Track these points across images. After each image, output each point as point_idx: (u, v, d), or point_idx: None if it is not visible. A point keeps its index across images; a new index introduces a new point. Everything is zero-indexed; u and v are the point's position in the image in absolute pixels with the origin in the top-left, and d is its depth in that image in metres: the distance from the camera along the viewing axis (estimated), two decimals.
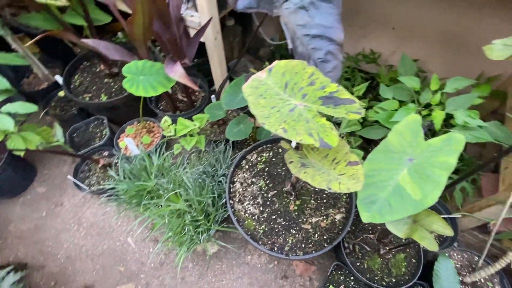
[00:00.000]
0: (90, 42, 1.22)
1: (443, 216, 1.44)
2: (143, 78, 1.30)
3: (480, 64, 1.58)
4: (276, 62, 0.72)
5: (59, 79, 1.80)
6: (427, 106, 1.26)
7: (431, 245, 0.66)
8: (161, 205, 1.29)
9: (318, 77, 0.67)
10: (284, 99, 0.67)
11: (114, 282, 1.50)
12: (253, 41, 2.48)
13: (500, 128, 1.18)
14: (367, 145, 1.64)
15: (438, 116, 1.11)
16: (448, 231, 0.68)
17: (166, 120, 1.29)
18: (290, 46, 0.78)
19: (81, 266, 1.56)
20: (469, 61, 1.62)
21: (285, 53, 2.16)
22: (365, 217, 0.71)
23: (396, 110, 1.22)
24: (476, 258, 1.30)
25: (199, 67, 1.99)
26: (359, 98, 1.47)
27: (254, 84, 0.69)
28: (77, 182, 1.54)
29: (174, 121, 1.37)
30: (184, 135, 1.33)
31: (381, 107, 1.27)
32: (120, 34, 2.22)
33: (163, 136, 1.54)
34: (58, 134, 1.50)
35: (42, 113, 1.90)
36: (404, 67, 1.37)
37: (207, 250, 1.46)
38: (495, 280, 1.24)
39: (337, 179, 0.64)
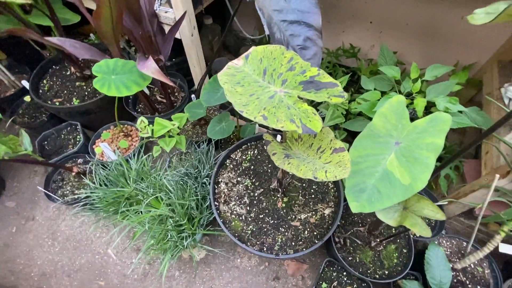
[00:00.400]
0: (55, 40, 1.13)
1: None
2: (115, 77, 1.22)
3: (455, 54, 1.61)
4: (252, 48, 0.67)
5: (25, 84, 1.67)
6: (408, 95, 1.26)
7: (423, 231, 0.63)
8: (141, 212, 1.21)
9: (297, 62, 0.64)
10: (263, 86, 0.63)
11: None
12: (233, 40, 2.44)
13: (479, 113, 1.20)
14: (351, 139, 1.63)
15: (420, 104, 1.11)
16: (439, 215, 0.66)
17: (142, 120, 1.22)
18: (267, 32, 0.74)
19: (57, 284, 1.44)
20: (445, 51, 1.65)
21: None
22: (354, 207, 0.68)
23: (378, 100, 1.21)
24: (465, 244, 1.31)
25: (178, 66, 1.92)
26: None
27: (230, 71, 0.65)
28: (48, 193, 1.43)
29: (152, 122, 1.29)
30: (163, 136, 1.26)
31: (363, 98, 1.26)
32: (92, 36, 2.11)
33: (142, 139, 1.47)
34: (25, 143, 1.39)
35: (8, 122, 1.76)
36: (384, 58, 1.37)
37: (193, 256, 1.39)
38: (484, 264, 1.25)
39: (323, 168, 0.60)
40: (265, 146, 1.44)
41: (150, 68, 1.02)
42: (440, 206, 1.41)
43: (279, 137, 1.38)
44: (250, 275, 1.43)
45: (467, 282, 1.21)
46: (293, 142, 0.76)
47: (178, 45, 1.55)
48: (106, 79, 1.20)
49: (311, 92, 0.60)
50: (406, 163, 0.62)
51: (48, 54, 2.05)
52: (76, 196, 1.43)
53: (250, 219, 1.22)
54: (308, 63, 0.63)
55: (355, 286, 1.21)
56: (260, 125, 1.61)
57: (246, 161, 1.39)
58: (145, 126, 1.20)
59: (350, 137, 1.52)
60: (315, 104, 1.60)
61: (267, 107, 0.57)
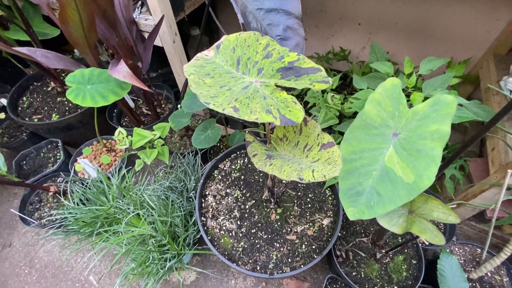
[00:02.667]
0: (24, 50, 1.06)
1: None
2: (91, 87, 1.15)
3: (449, 51, 1.56)
4: (224, 37, 0.60)
5: (3, 101, 1.60)
6: (403, 91, 1.18)
7: (435, 238, 0.53)
8: (121, 232, 1.09)
9: (274, 48, 0.56)
10: (237, 77, 0.55)
11: None
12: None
13: (480, 107, 1.12)
14: None
15: (417, 98, 1.03)
16: (452, 217, 0.56)
17: (120, 131, 1.13)
18: (241, 20, 0.66)
19: None
20: (438, 49, 1.60)
21: None
22: (352, 214, 0.58)
23: None
24: (479, 250, 1.19)
25: (164, 77, 1.86)
26: (333, 90, 1.38)
27: (199, 62, 0.57)
28: (23, 215, 1.31)
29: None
30: (143, 148, 1.17)
31: (356, 97, 1.18)
32: (77, 52, 2.07)
33: (127, 149, 1.37)
34: None
35: None
36: (375, 55, 1.31)
37: (180, 280, 1.26)
38: (502, 272, 1.13)
39: (310, 167, 0.51)
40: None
41: (122, 72, 0.94)
42: None
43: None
44: None
45: None
46: (278, 142, 0.67)
47: (163, 56, 1.50)
48: (80, 89, 1.13)
49: (290, 80, 0.51)
50: (407, 157, 0.53)
51: (30, 72, 1.99)
52: (52, 218, 1.31)
53: (241, 235, 1.11)
54: (286, 48, 0.55)
55: None
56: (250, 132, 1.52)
57: (235, 171, 1.29)
58: (123, 138, 1.11)
59: None
60: (305, 108, 1.52)
61: (240, 97, 0.49)
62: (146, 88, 0.98)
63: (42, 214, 1.40)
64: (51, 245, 1.49)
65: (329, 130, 1.54)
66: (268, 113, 0.46)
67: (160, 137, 1.22)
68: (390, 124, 0.54)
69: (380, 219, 0.58)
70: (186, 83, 1.30)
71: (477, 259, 1.17)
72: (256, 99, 0.49)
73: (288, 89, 0.52)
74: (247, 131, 1.59)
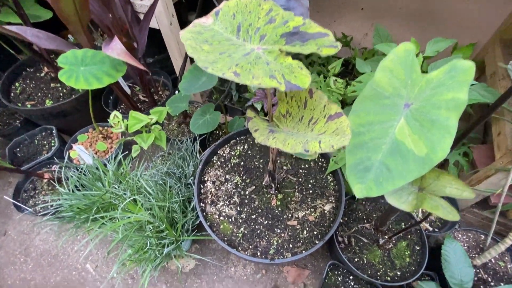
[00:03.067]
0: (14, 28, 1.01)
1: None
2: (84, 69, 1.10)
3: (454, 36, 1.51)
4: (223, 3, 0.55)
5: None
6: None
7: (449, 214, 0.50)
8: (118, 218, 1.06)
9: (278, 13, 0.52)
10: (237, 44, 0.51)
11: None
12: None
13: (486, 89, 1.09)
14: None
15: None
16: (467, 193, 0.53)
17: (115, 115, 1.09)
18: None
19: None
20: (443, 34, 1.55)
21: None
22: (359, 191, 0.54)
23: None
24: (483, 237, 1.17)
25: (162, 64, 1.81)
26: (336, 75, 1.35)
27: (196, 29, 0.53)
28: (17, 203, 1.28)
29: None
30: (140, 132, 1.13)
31: (359, 81, 1.14)
32: (71, 38, 2.01)
33: (123, 134, 1.32)
34: None
35: None
36: (379, 37, 1.27)
37: (178, 267, 1.24)
38: (506, 258, 1.11)
39: (316, 139, 0.47)
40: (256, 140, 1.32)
41: (116, 49, 0.90)
42: (452, 198, 1.28)
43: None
44: (246, 285, 1.27)
45: (489, 279, 1.07)
46: (281, 119, 0.64)
47: (160, 41, 1.45)
48: (73, 70, 1.08)
49: (295, 45, 0.48)
50: (420, 129, 0.49)
51: (23, 58, 1.93)
52: (46, 205, 1.28)
53: (241, 221, 1.08)
54: (291, 12, 0.51)
55: None
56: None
57: (235, 157, 1.26)
58: (118, 121, 1.07)
59: None
60: None
61: (241, 63, 0.45)
62: (141, 67, 0.94)
63: (37, 202, 1.37)
64: (46, 234, 1.47)
65: None
66: (272, 78, 0.43)
67: (157, 123, 1.18)
68: (402, 94, 0.50)
69: (389, 196, 0.56)
70: (183, 66, 1.26)
71: (481, 246, 1.15)
72: (259, 65, 0.45)
73: (293, 57, 0.48)
74: (247, 107, 1.55)
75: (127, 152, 1.51)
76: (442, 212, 0.49)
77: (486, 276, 1.08)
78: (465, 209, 1.36)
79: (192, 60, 1.55)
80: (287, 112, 0.63)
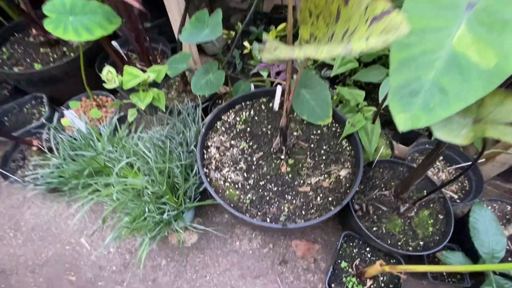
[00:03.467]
0: None
1: (463, 164, 1.22)
2: (73, 19, 0.98)
3: None
4: None
5: None
6: None
7: None
8: (112, 184, 0.96)
9: None
10: None
11: None
12: (222, 8, 2.21)
13: None
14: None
15: None
16: None
17: (109, 70, 0.98)
18: None
19: (19, 282, 1.19)
20: None
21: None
22: (402, 122, 0.44)
23: None
24: (509, 207, 1.08)
25: (160, 29, 1.69)
26: None
27: None
28: (4, 172, 1.18)
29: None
30: (136, 90, 1.02)
31: None
32: None
33: (120, 88, 1.20)
34: None
35: None
36: None
37: (179, 239, 1.15)
38: None
39: (359, 39, 0.37)
40: (263, 106, 1.21)
41: None
42: (475, 168, 1.18)
43: (276, 103, 1.15)
44: (251, 259, 1.19)
45: None
46: (305, 46, 0.53)
47: (159, 3, 1.32)
48: (61, 20, 0.97)
49: None
50: (487, 34, 0.39)
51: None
52: (37, 174, 1.18)
53: (248, 187, 0.99)
54: None
55: None
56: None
57: (240, 123, 1.16)
58: (112, 77, 0.96)
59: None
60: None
61: None
62: (137, 5, 0.82)
63: (26, 172, 1.27)
64: (38, 208, 1.37)
65: (343, 80, 1.39)
66: None
67: (156, 85, 1.07)
68: None
69: (437, 130, 0.46)
70: (183, 20, 1.14)
71: (508, 217, 1.07)
72: None
73: None
74: (252, 74, 1.43)
75: (123, 124, 1.41)
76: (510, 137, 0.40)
77: None
78: (486, 181, 1.27)
79: (190, 15, 1.41)
80: (311, 36, 0.52)
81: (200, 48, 1.92)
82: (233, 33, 1.68)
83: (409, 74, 0.43)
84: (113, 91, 1.69)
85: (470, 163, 1.11)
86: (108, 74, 0.97)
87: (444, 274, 1.05)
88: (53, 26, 0.95)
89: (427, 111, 0.43)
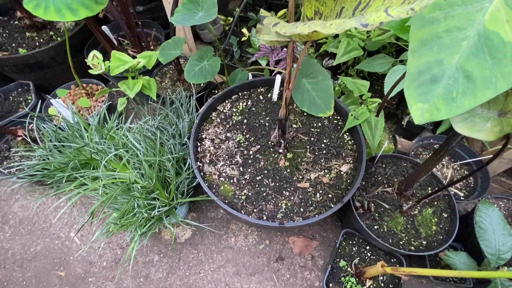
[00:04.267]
0: None
1: (469, 161, 1.18)
2: None
3: None
4: None
5: None
6: None
7: None
8: (100, 178, 0.91)
9: None
10: None
11: None
12: None
13: None
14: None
15: None
16: None
17: (95, 55, 0.91)
18: None
19: (6, 276, 1.15)
20: None
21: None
22: (419, 113, 0.39)
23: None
24: None
25: (153, 14, 1.60)
26: None
27: None
28: None
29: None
30: (125, 78, 0.95)
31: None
32: None
33: (112, 77, 1.13)
34: None
35: None
36: None
37: (172, 235, 1.10)
38: None
39: (376, 11, 0.31)
40: (261, 96, 1.15)
41: None
42: (483, 165, 1.13)
43: (275, 93, 1.08)
44: (247, 256, 1.15)
45: None
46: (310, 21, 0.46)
47: None
48: None
49: None
50: None
51: None
52: (22, 165, 1.12)
53: (244, 182, 0.94)
54: None
55: None
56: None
57: (237, 114, 1.10)
58: (98, 62, 0.89)
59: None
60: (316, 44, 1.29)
61: None
62: None
63: (12, 164, 1.21)
64: (26, 200, 1.32)
65: (345, 70, 1.33)
66: None
67: (147, 73, 1.00)
68: None
69: (457, 124, 0.40)
70: (176, 1, 1.06)
71: None
72: None
73: None
74: (250, 63, 1.36)
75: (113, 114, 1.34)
76: None
77: None
78: (491, 177, 1.23)
79: None
80: (316, 14, 0.46)
81: (196, 35, 1.84)
82: (231, 19, 1.59)
83: (430, 57, 0.37)
84: (105, 80, 1.61)
85: (478, 159, 1.06)
86: (94, 58, 0.90)
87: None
88: (33, 5, 0.88)
89: (449, 102, 0.37)
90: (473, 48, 0.35)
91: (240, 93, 1.16)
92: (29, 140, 1.09)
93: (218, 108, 1.12)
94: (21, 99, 1.39)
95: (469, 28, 0.35)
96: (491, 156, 0.62)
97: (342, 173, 0.94)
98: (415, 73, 0.38)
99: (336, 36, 1.19)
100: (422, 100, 0.39)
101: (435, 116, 0.38)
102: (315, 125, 1.06)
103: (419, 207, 0.94)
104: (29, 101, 1.36)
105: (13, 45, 1.40)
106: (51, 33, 1.44)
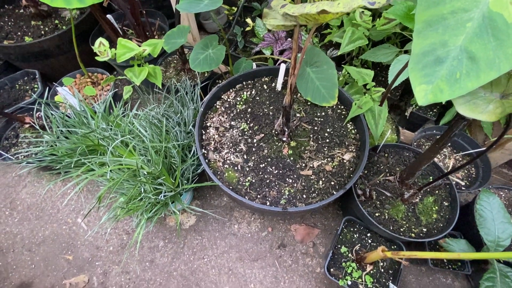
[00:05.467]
0: None
1: (471, 151, 1.18)
2: None
3: None
4: None
5: None
6: None
7: None
8: (107, 164, 0.93)
9: None
10: None
11: (60, 275, 1.14)
12: None
13: None
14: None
15: None
16: None
17: (101, 42, 0.92)
18: None
19: (16, 260, 1.18)
20: None
21: None
22: (422, 94, 0.40)
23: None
24: None
25: (157, 3, 1.60)
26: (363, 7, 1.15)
27: None
28: None
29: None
30: (131, 66, 0.96)
31: (394, 12, 0.95)
32: None
33: (117, 65, 1.15)
34: None
35: None
36: None
37: (177, 221, 1.13)
38: None
39: None
40: (265, 86, 1.15)
41: None
42: (484, 156, 1.14)
43: (279, 82, 1.09)
44: (250, 242, 1.18)
45: None
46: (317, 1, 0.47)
47: None
48: None
49: None
50: None
51: None
52: (30, 152, 1.14)
53: (248, 169, 0.95)
54: None
55: None
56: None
57: (241, 103, 1.11)
58: (105, 50, 0.90)
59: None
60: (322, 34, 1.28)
61: None
62: None
63: (19, 150, 1.23)
64: (34, 187, 1.35)
65: (350, 60, 1.33)
66: None
67: (152, 61, 1.01)
68: None
69: (460, 105, 0.41)
70: None
71: None
72: None
73: None
74: (254, 53, 1.36)
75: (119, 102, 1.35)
76: None
77: None
78: (493, 169, 1.24)
79: None
80: None
81: (200, 25, 1.83)
82: (235, 9, 1.59)
83: (435, 38, 0.38)
84: (110, 69, 1.62)
85: (480, 149, 1.07)
86: (100, 46, 0.91)
87: (445, 261, 1.04)
88: None
89: (452, 83, 0.38)
90: (477, 30, 0.36)
91: (244, 82, 1.16)
92: (37, 126, 1.11)
93: (222, 97, 1.13)
94: (27, 87, 1.41)
95: (474, 9, 0.36)
96: (492, 142, 0.63)
97: (344, 161, 0.96)
98: (420, 55, 0.39)
99: (341, 25, 1.19)
100: (425, 81, 0.39)
101: (439, 97, 0.39)
102: (318, 114, 1.07)
103: (420, 196, 0.96)
104: (35, 89, 1.38)
105: (19, 33, 1.41)
106: (56, 21, 1.45)
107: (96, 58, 0.91)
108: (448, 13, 0.37)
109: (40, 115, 1.31)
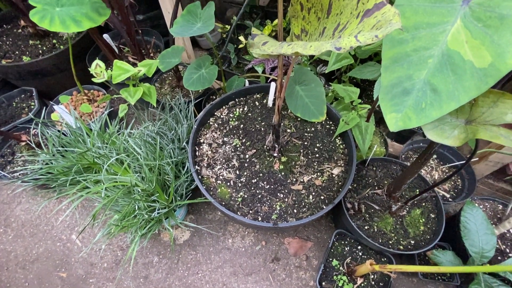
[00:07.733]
0: None
1: (456, 163, 1.22)
2: (60, 10, 0.95)
3: None
4: None
5: None
6: None
7: None
8: (102, 181, 0.95)
9: None
10: None
11: None
12: (217, 1, 2.16)
13: None
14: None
15: None
16: None
17: (98, 64, 0.95)
18: None
19: (9, 278, 1.18)
20: None
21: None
22: (393, 122, 0.43)
23: None
24: (501, 206, 1.09)
25: (153, 22, 1.65)
26: None
27: None
28: None
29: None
30: (126, 86, 1.00)
31: None
32: None
33: (112, 83, 1.18)
34: None
35: None
36: None
37: (171, 236, 1.14)
38: None
39: (350, 35, 0.35)
40: (257, 102, 1.19)
41: None
42: (468, 167, 1.18)
43: (270, 99, 1.13)
44: (244, 257, 1.19)
45: (507, 250, 1.00)
46: (294, 37, 0.51)
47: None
48: (47, 10, 0.94)
49: None
50: (483, 31, 0.38)
51: None
52: (26, 170, 1.16)
53: (240, 185, 0.98)
54: None
55: None
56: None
57: (233, 119, 1.14)
58: (101, 71, 0.93)
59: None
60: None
61: None
62: None
63: (15, 168, 1.25)
64: (28, 203, 1.35)
65: (338, 77, 1.38)
66: None
67: (147, 80, 1.05)
68: None
69: (429, 131, 0.45)
70: (175, 11, 1.11)
71: (499, 215, 1.07)
72: None
73: None
74: (247, 70, 1.41)
75: (114, 118, 1.38)
76: (504, 141, 0.39)
77: (504, 247, 1.01)
78: (479, 180, 1.28)
79: (183, 7, 1.37)
80: (302, 31, 0.50)
81: (195, 42, 1.89)
82: (228, 27, 1.64)
83: (401, 72, 0.42)
84: (106, 86, 1.66)
85: (463, 162, 1.11)
86: (96, 67, 0.95)
87: (434, 272, 1.06)
88: (39, 17, 0.92)
89: (419, 112, 0.42)
90: (438, 65, 0.40)
91: (236, 99, 1.20)
92: (33, 145, 1.13)
93: (215, 113, 1.16)
94: (24, 105, 1.43)
95: (434, 47, 0.40)
96: (469, 157, 0.66)
97: (334, 175, 0.99)
98: (389, 86, 0.42)
99: None
100: (395, 110, 0.43)
101: (407, 124, 0.43)
102: (308, 130, 1.11)
103: (407, 208, 0.98)
104: (32, 107, 1.41)
105: (17, 52, 1.45)
106: (54, 41, 1.49)
107: (93, 79, 0.95)
108: (411, 50, 0.41)
109: (36, 133, 1.33)
